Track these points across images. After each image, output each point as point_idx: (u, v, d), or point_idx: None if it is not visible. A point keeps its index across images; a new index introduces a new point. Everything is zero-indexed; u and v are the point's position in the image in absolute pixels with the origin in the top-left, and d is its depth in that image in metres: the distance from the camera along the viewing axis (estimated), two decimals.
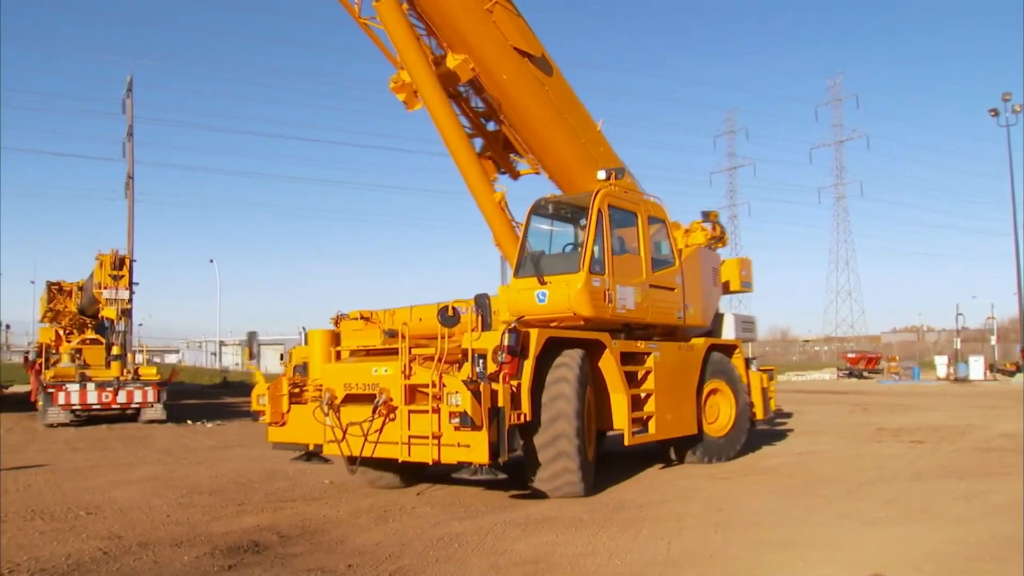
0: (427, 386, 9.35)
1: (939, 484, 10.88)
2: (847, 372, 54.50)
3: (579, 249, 11.15)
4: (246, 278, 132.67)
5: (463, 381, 8.99)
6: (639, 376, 11.69)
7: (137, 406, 23.35)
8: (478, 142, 12.98)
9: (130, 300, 25.60)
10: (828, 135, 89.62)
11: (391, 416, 9.64)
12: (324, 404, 10.04)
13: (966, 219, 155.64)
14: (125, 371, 24.21)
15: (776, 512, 9.18)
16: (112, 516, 9.64)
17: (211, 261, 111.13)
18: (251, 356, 11.36)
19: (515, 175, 13.55)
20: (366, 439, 9.70)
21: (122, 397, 23.17)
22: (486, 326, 9.75)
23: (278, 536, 8.33)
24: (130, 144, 37.02)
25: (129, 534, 8.61)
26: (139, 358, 27.54)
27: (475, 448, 9.04)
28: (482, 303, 9.95)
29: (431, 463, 9.43)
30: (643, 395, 11.67)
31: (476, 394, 8.88)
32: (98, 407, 23.11)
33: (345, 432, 9.87)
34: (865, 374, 53.19)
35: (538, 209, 11.87)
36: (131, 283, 25.71)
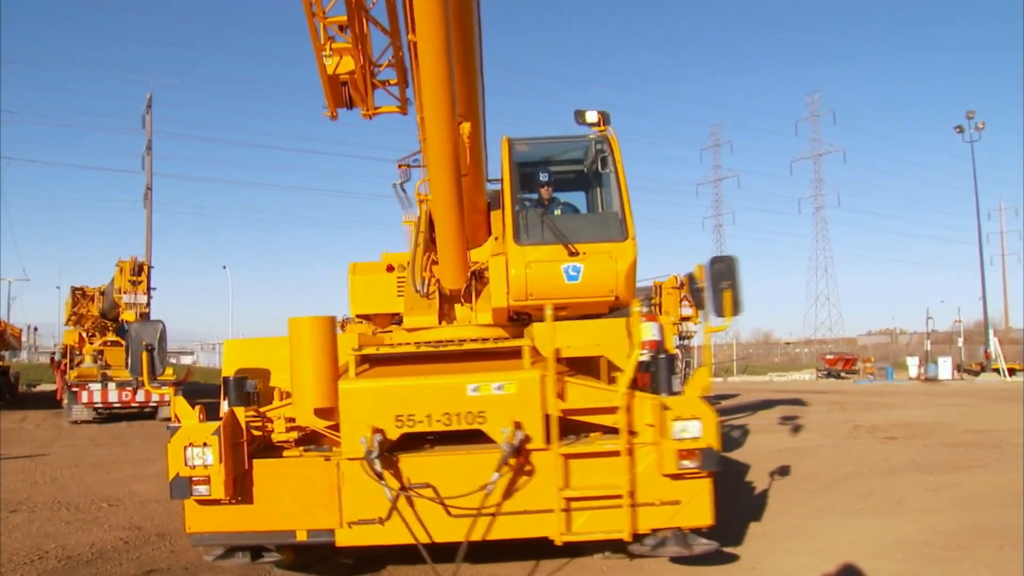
0: (596, 412, 5.99)
1: (911, 478, 10.90)
2: (825, 373, 54.47)
3: (607, 207, 7.61)
4: (257, 283, 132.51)
5: (703, 399, 5.76)
6: None
7: (155, 405, 23.38)
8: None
9: (148, 304, 25.57)
10: (807, 149, 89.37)
11: (527, 468, 5.80)
12: (373, 456, 5.60)
13: (935, 228, 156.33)
14: None
15: (761, 506, 9.19)
16: (132, 508, 9.66)
17: (223, 267, 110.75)
18: (151, 373, 6.34)
19: (371, 112, 8.46)
20: (480, 512, 5.66)
21: (140, 396, 23.19)
22: (738, 309, 6.19)
23: None
24: (149, 157, 37.16)
25: (148, 525, 8.64)
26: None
27: (690, 504, 5.77)
28: (725, 271, 6.15)
29: (629, 540, 5.81)
30: None
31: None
32: (118, 405, 23.17)
33: (399, 497, 5.70)
34: (842, 374, 53.16)
35: (516, 154, 7.63)
36: (149, 288, 25.70)
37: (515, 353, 6.08)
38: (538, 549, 6.27)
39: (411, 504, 5.68)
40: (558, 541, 5.76)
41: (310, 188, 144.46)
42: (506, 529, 5.75)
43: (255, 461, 5.91)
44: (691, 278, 6.28)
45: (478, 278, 7.82)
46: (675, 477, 5.69)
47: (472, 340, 7.01)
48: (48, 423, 23.31)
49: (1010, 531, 7.54)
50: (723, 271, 6.07)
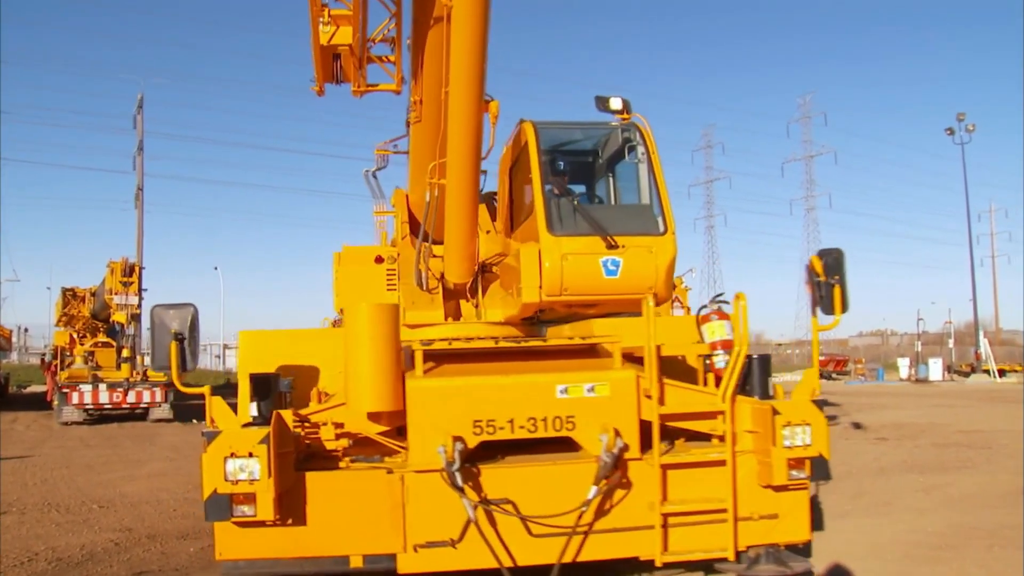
0: (692, 417, 5.46)
1: (901, 478, 10.95)
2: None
3: (644, 198, 6.73)
4: (249, 284, 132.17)
5: (813, 403, 5.32)
6: None
7: (146, 406, 23.27)
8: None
9: (139, 305, 25.50)
10: (799, 150, 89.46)
11: (623, 480, 5.18)
12: (454, 468, 4.90)
13: (926, 230, 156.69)
14: (134, 372, 24.18)
15: None
16: (123, 509, 9.63)
17: (215, 268, 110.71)
18: (182, 367, 5.27)
19: (361, 88, 8.16)
20: (574, 531, 5.02)
21: (132, 397, 23.11)
22: (846, 305, 5.67)
23: None
24: (140, 157, 37.03)
25: (139, 526, 8.60)
26: (148, 360, 27.48)
27: (788, 517, 5.31)
28: (833, 265, 5.64)
29: (733, 559, 5.27)
30: None
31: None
32: (109, 406, 23.04)
33: (476, 511, 4.95)
34: (834, 375, 53.27)
35: (544, 139, 6.73)
36: (140, 289, 25.64)
37: (585, 352, 5.55)
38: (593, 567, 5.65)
39: (493, 523, 4.97)
40: (658, 562, 5.17)
41: (305, 189, 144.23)
42: (598, 549, 5.11)
43: (308, 474, 5.01)
44: (810, 271, 5.73)
45: (484, 272, 7.40)
46: (777, 488, 5.20)
47: (551, 338, 6.46)
48: (38, 424, 23.19)
49: (1000, 531, 7.58)
50: (831, 265, 5.57)
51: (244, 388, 5.36)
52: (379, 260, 7.79)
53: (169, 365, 5.33)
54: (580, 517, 5.00)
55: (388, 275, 7.78)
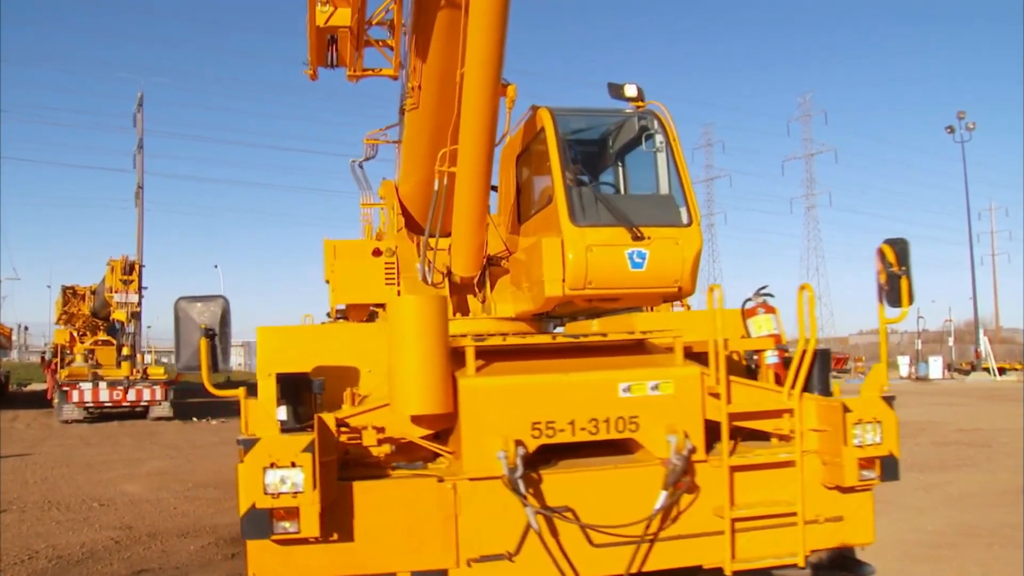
0: (757, 416, 5.17)
1: (901, 477, 10.94)
2: None
3: (666, 188, 6.39)
4: (248, 283, 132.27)
5: (883, 399, 5.08)
6: None
7: (146, 404, 23.28)
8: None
9: (139, 303, 25.53)
10: (799, 148, 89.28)
11: (689, 485, 4.86)
12: (518, 476, 4.51)
13: (926, 228, 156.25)
14: (135, 371, 24.20)
15: None
16: (123, 508, 9.64)
17: (215, 266, 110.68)
18: (214, 363, 4.74)
19: (357, 73, 7.88)
20: (642, 539, 4.71)
21: (132, 395, 23.13)
22: (912, 297, 5.33)
23: None
24: (140, 156, 36.92)
25: (139, 525, 8.62)
26: (148, 358, 27.53)
27: (852, 519, 5.09)
28: (900, 255, 5.35)
29: (803, 565, 4.97)
30: None
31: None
32: (109, 405, 23.08)
33: (538, 525, 4.58)
34: (834, 374, 53.40)
35: (561, 124, 6.33)
36: (140, 287, 25.66)
37: (632, 348, 5.29)
38: None
39: (554, 533, 4.60)
40: (727, 570, 4.84)
41: (304, 187, 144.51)
42: (665, 558, 4.77)
43: (355, 484, 4.55)
44: (882, 259, 5.35)
45: (492, 265, 7.15)
46: (844, 490, 4.96)
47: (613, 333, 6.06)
48: (39, 423, 23.20)
49: (1000, 530, 7.59)
50: (898, 255, 5.28)
51: (267, 390, 4.82)
52: (376, 253, 7.45)
53: (197, 365, 4.85)
54: (650, 525, 4.69)
55: (387, 268, 7.48)
